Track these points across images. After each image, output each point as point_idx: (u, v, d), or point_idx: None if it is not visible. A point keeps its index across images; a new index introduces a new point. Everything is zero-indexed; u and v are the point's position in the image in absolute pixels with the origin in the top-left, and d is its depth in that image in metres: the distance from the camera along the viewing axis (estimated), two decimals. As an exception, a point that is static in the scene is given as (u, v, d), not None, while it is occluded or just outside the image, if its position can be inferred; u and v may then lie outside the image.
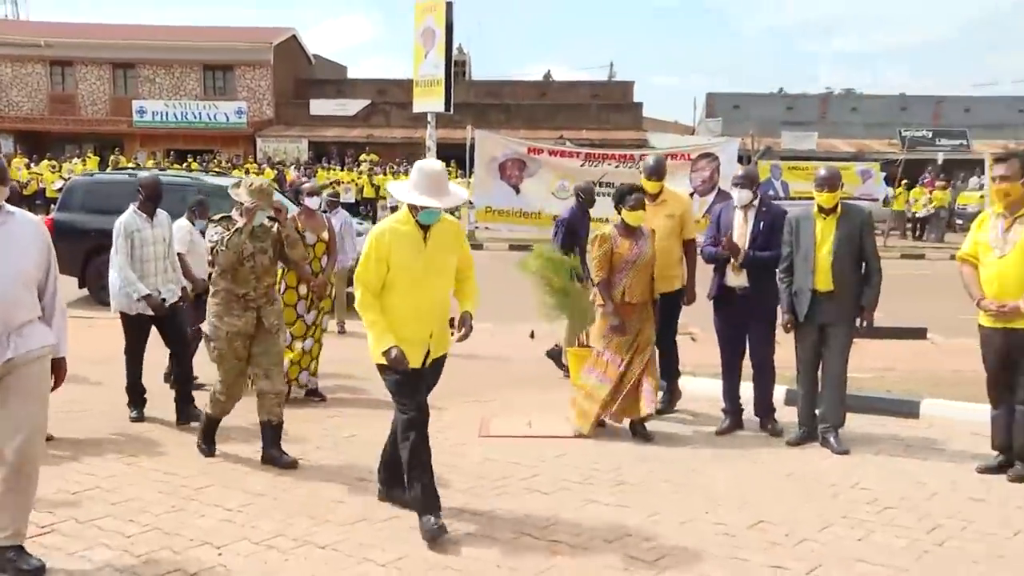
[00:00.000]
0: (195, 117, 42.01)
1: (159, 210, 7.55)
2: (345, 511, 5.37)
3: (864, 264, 6.74)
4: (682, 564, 4.67)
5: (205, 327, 6.45)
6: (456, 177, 29.93)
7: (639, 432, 7.01)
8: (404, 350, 5.02)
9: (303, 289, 8.13)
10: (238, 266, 6.23)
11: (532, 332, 10.71)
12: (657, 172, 7.59)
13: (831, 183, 6.75)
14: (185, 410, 7.28)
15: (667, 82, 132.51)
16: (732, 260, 7.07)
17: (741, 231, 7.12)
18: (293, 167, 33.80)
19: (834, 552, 4.86)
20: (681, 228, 7.61)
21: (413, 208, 5.12)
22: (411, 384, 5.16)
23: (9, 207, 4.45)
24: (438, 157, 27.08)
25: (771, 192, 26.05)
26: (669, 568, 4.61)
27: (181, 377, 7.48)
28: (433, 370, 5.37)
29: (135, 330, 7.46)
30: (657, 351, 7.24)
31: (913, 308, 12.11)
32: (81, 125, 43.00)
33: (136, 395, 7.44)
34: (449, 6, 22.29)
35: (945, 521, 5.31)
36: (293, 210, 9.16)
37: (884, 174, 30.16)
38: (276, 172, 31.34)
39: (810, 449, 6.73)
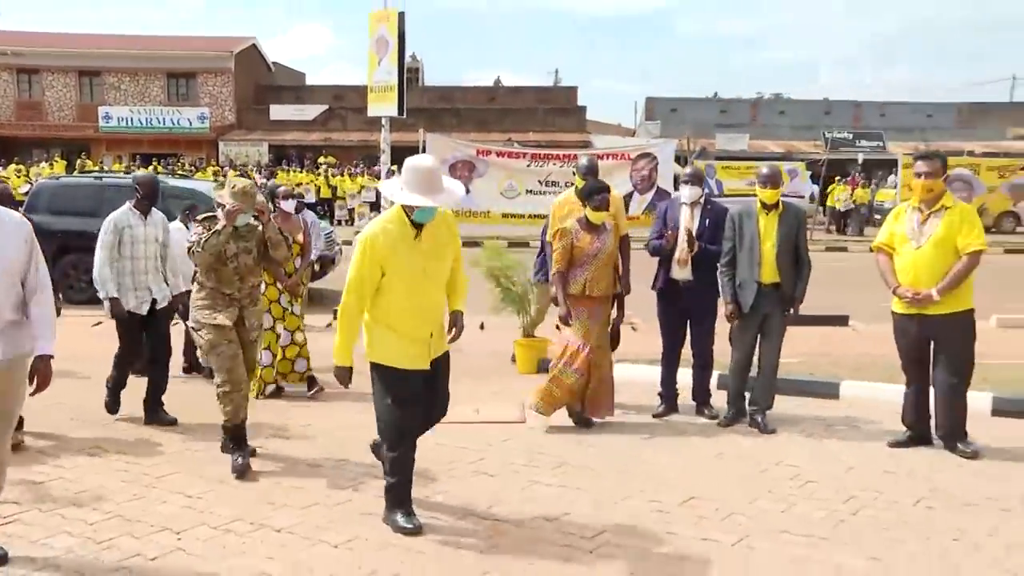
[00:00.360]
0: (159, 122, 41.58)
1: (155, 210, 7.19)
2: (301, 496, 5.32)
3: (797, 257, 6.80)
4: (618, 539, 4.69)
5: (190, 323, 6.20)
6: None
7: (581, 420, 6.98)
8: (413, 353, 4.80)
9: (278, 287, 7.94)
10: (221, 267, 5.95)
11: (482, 324, 10.71)
12: (591, 171, 7.55)
13: (774, 181, 6.78)
14: (154, 414, 6.96)
15: (611, 88, 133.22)
16: (678, 254, 7.06)
17: (688, 227, 7.10)
18: (254, 170, 33.45)
19: (759, 524, 4.92)
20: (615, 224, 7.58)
21: (407, 207, 4.77)
22: (405, 391, 4.80)
23: None
24: (392, 159, 27.17)
25: (706, 190, 26.25)
26: (606, 544, 4.63)
27: (157, 380, 7.07)
28: (435, 371, 4.98)
29: (128, 330, 7.06)
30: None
31: (836, 297, 12.27)
32: (48, 131, 42.25)
33: (116, 397, 7.05)
34: (401, 16, 22.33)
35: (860, 493, 5.41)
36: None
37: (810, 172, 30.65)
38: (239, 175, 30.98)
39: (739, 430, 6.80)
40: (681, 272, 7.11)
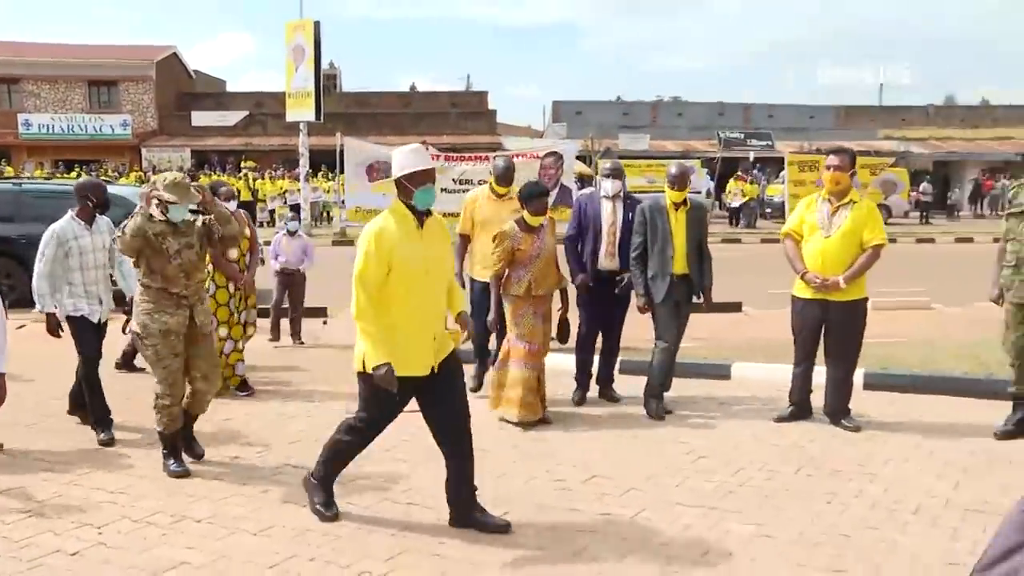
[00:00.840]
0: (81, 129, 40.27)
1: (100, 217, 6.52)
2: (221, 488, 5.23)
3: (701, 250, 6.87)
4: (524, 516, 4.73)
5: (134, 326, 5.63)
6: (328, 180, 29.47)
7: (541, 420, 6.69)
8: (411, 357, 4.43)
9: (232, 288, 7.62)
10: (165, 264, 5.45)
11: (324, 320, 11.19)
12: (507, 172, 7.45)
13: (682, 181, 6.81)
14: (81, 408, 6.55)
15: (521, 93, 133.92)
16: (606, 247, 7.02)
17: (611, 220, 7.06)
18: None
19: (655, 498, 5.02)
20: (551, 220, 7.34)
21: (405, 196, 4.44)
22: (390, 400, 4.51)
23: None
24: (311, 163, 26.90)
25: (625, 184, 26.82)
26: (512, 522, 4.64)
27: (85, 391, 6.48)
28: (448, 373, 4.62)
29: (84, 337, 6.39)
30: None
31: (731, 285, 12.52)
32: (-34, 137, 40.50)
33: (79, 405, 6.57)
34: (317, 25, 22.02)
35: (747, 465, 5.57)
36: None
37: (706, 170, 31.32)
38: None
39: (640, 412, 6.91)
40: (610, 263, 7.07)
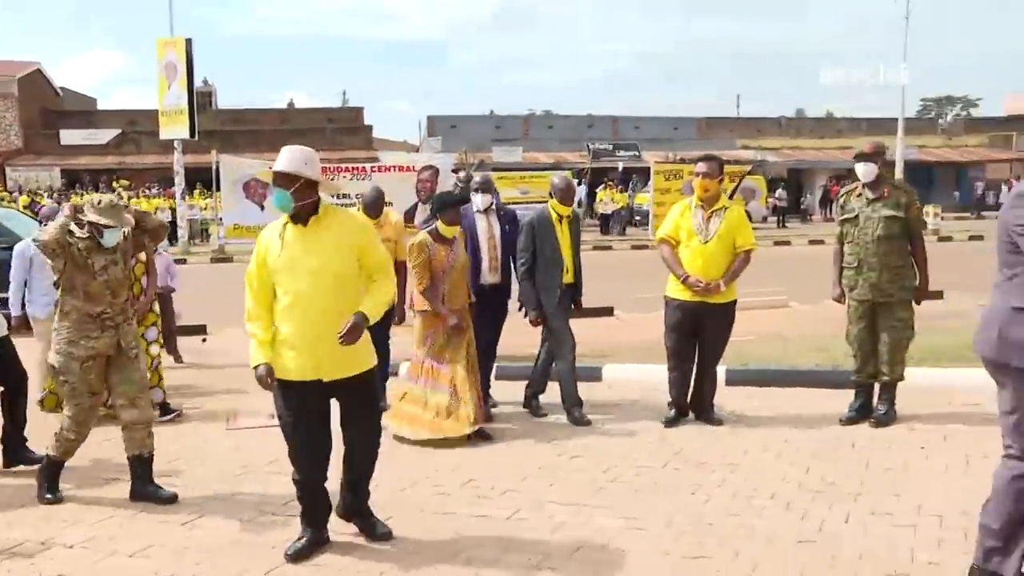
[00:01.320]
0: None
1: None
2: (95, 511, 5.03)
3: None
4: (403, 522, 4.70)
5: (52, 359, 5.19)
6: (205, 197, 28.66)
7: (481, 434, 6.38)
8: (290, 361, 4.23)
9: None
10: (90, 280, 5.08)
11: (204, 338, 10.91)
12: (375, 207, 7.13)
13: (571, 193, 6.87)
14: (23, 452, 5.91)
15: (397, 108, 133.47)
16: (487, 263, 6.89)
17: (488, 234, 6.92)
18: (46, 194, 31.21)
19: (529, 498, 5.08)
20: (396, 245, 7.04)
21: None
22: (285, 402, 4.32)
23: None
24: (187, 181, 26.12)
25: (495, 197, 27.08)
26: (393, 526, 4.60)
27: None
28: (346, 392, 4.36)
29: None
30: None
31: (603, 290, 12.77)
32: None
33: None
34: (188, 42, 21.47)
35: (618, 462, 5.69)
36: None
37: (576, 180, 31.84)
38: (30, 199, 28.79)
39: (514, 416, 6.98)
40: (493, 277, 6.95)
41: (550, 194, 6.94)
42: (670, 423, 6.54)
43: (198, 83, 48.51)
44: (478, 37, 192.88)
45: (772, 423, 6.50)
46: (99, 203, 5.19)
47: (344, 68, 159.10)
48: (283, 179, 4.22)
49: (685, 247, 6.42)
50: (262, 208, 21.81)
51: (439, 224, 6.37)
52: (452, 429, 6.23)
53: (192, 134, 21.47)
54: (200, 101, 46.81)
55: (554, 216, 6.78)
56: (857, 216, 6.30)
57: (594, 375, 8.11)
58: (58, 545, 4.53)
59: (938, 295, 10.94)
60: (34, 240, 5.32)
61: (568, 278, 6.78)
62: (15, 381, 5.92)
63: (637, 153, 40.88)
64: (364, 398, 4.47)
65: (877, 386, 6.43)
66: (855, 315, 6.39)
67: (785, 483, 5.19)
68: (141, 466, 5.23)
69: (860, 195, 6.36)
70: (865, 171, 6.28)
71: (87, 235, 5.13)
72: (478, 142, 38.42)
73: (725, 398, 7.04)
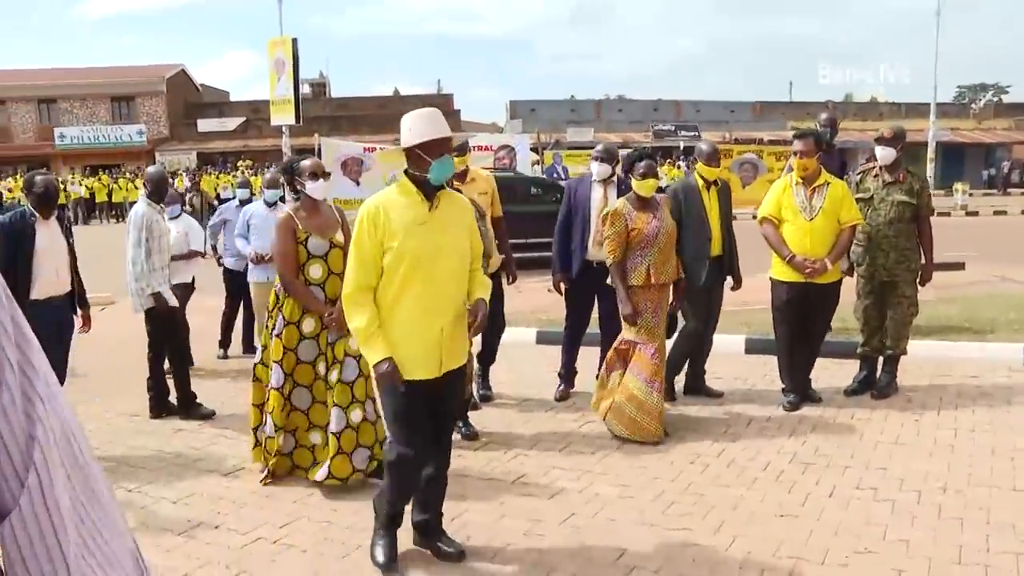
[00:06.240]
0: (105, 139, 40.43)
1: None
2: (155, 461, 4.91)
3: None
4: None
5: None
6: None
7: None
8: (413, 357, 3.28)
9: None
10: None
11: None
12: (461, 173, 5.44)
13: (717, 156, 5.83)
14: None
15: (487, 95, 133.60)
16: (594, 235, 5.60)
17: (601, 206, 5.59)
18: (183, 173, 32.12)
19: (538, 463, 4.77)
20: (491, 205, 5.69)
21: (418, 168, 3.30)
22: (412, 409, 3.36)
23: None
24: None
25: (555, 173, 26.64)
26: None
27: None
28: (448, 386, 3.46)
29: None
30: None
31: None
32: (13, 151, 40.27)
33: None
34: (294, 41, 21.52)
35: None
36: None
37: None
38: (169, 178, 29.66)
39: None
40: (598, 252, 5.56)
41: (693, 160, 5.94)
42: (793, 407, 5.56)
43: (314, 75, 49.28)
44: (557, 32, 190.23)
45: (780, 393, 5.99)
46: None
47: (443, 61, 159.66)
48: (447, 144, 3.36)
49: (790, 225, 5.52)
50: (357, 184, 21.92)
51: (635, 183, 5.10)
52: (649, 428, 4.98)
53: (297, 120, 21.56)
54: (316, 92, 47.50)
55: (700, 183, 5.69)
56: (872, 197, 5.73)
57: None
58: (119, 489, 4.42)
59: (960, 266, 10.15)
60: None
61: (716, 249, 5.69)
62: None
63: (697, 133, 39.56)
64: (459, 390, 3.68)
65: (881, 359, 5.87)
66: (864, 290, 5.85)
67: (780, 455, 4.76)
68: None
69: (877, 176, 5.78)
70: (884, 154, 5.72)
71: None
72: (555, 124, 37.72)
73: (743, 366, 6.58)
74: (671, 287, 5.22)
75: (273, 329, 4.49)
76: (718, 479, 4.43)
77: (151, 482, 4.61)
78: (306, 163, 4.61)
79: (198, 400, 5.88)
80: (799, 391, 5.69)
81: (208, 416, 5.77)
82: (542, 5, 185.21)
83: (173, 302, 5.76)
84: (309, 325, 4.42)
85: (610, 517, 3.99)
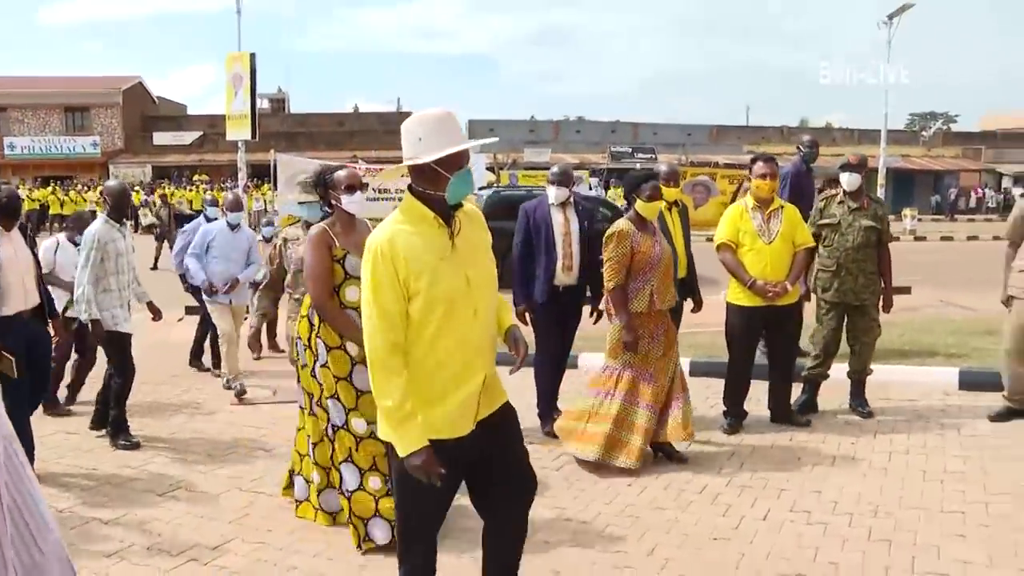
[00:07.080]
0: (57, 150, 40.00)
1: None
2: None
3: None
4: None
5: None
6: (269, 191, 28.66)
7: (673, 455, 5.10)
8: (449, 413, 2.55)
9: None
10: None
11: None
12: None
13: (676, 178, 5.80)
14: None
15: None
16: (562, 260, 5.38)
17: (564, 230, 5.44)
18: (139, 187, 31.58)
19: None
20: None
21: (431, 187, 2.55)
22: (439, 511, 2.67)
23: None
24: (251, 177, 26.06)
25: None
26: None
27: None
28: (502, 426, 2.71)
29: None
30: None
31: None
32: (-42, 159, 39.30)
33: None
34: (252, 56, 21.48)
35: (564, 452, 5.28)
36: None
37: (594, 179, 31.44)
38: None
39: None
40: (566, 277, 5.41)
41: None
42: (732, 429, 5.60)
43: (273, 91, 48.91)
44: (521, 51, 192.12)
45: (721, 416, 6.03)
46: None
47: (402, 78, 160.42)
48: (467, 154, 2.61)
49: (749, 250, 5.48)
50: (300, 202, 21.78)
51: (639, 205, 4.88)
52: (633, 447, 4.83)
53: (253, 135, 21.51)
54: (274, 107, 47.14)
55: (662, 204, 5.43)
56: (840, 223, 5.84)
57: (571, 363, 7.67)
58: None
59: (907, 290, 10.39)
60: None
61: (681, 272, 5.56)
62: None
63: (653, 156, 40.11)
64: (517, 429, 2.81)
65: (850, 383, 6.00)
66: (826, 316, 5.91)
67: (718, 477, 4.79)
68: None
69: (842, 203, 5.90)
70: (850, 180, 5.86)
71: None
72: (513, 144, 37.96)
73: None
74: (668, 314, 5.05)
75: (316, 361, 3.90)
76: (654, 501, 4.44)
77: (84, 502, 4.50)
78: (341, 174, 4.08)
79: (129, 427, 5.59)
80: (740, 413, 5.74)
81: (134, 447, 5.45)
82: (506, 24, 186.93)
83: (125, 328, 5.41)
84: (354, 348, 3.76)
85: (545, 539, 3.97)
